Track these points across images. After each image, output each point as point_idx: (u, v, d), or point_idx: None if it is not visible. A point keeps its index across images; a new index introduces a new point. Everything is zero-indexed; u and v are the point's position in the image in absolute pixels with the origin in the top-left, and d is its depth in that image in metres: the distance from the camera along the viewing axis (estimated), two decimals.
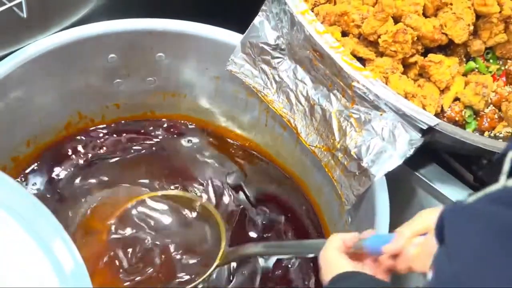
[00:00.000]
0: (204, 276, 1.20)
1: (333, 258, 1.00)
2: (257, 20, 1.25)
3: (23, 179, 1.34)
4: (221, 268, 1.25)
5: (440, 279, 0.63)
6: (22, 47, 1.22)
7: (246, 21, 1.28)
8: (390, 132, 1.13)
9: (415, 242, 0.90)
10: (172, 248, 1.24)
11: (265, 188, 1.40)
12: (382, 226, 1.08)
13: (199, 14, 1.35)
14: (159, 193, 1.31)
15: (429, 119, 1.07)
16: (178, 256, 1.24)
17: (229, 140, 1.46)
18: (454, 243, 0.63)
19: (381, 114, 1.12)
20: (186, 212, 1.29)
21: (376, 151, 1.14)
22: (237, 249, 1.23)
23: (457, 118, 1.36)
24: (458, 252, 0.62)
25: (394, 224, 1.33)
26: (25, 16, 1.13)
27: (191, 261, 1.23)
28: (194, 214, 1.29)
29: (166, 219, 1.28)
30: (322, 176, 1.32)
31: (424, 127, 1.08)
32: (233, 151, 1.45)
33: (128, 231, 1.26)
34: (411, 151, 1.11)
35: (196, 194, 1.36)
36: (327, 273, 0.99)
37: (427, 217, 0.91)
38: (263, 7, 1.24)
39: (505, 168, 0.65)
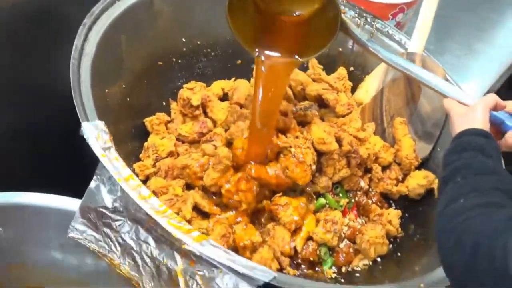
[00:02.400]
0: None
1: (479, 111, 1.16)
2: (92, 185, 1.22)
3: None
4: None
5: None
6: None
7: (85, 186, 1.25)
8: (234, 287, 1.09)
9: None
10: None
11: None
12: None
13: (38, 184, 1.31)
14: None
15: (263, 274, 1.05)
16: None
17: None
18: None
19: (220, 271, 1.09)
20: None
21: None
22: None
23: (311, 258, 1.34)
24: None
25: None
26: None
27: None
28: None
29: None
30: None
31: (260, 283, 1.05)
32: None
33: None
34: None
35: None
36: (465, 122, 1.15)
37: None
38: (97, 171, 1.21)
39: None
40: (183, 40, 1.57)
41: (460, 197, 1.00)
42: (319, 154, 1.40)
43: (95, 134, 1.15)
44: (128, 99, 1.42)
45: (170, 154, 1.40)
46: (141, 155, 1.41)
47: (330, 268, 1.36)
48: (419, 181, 1.45)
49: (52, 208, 1.29)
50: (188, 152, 1.40)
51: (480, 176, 1.03)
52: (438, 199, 1.07)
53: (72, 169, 1.36)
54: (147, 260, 1.21)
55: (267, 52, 1.30)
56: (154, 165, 1.39)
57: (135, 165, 1.37)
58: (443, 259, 0.97)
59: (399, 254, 1.39)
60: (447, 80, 1.53)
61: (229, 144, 1.38)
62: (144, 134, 1.46)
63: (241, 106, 1.50)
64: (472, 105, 1.20)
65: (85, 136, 1.15)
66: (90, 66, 1.27)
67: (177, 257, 1.16)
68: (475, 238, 0.92)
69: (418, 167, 1.51)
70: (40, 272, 1.36)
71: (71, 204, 1.27)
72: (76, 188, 1.26)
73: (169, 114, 1.50)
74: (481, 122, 1.15)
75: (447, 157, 1.11)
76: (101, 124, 1.17)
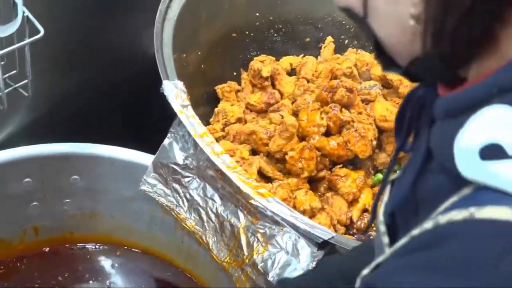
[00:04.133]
0: None
1: None
2: (166, 142, 1.30)
3: None
4: None
5: None
6: None
7: (158, 143, 1.33)
8: (293, 246, 1.16)
9: None
10: None
11: None
12: None
13: (114, 137, 1.40)
14: None
15: (323, 232, 1.12)
16: None
17: (148, 255, 1.47)
18: None
19: (282, 229, 1.16)
20: None
21: (281, 265, 1.17)
22: None
23: (366, 229, 1.41)
24: None
25: None
26: None
27: None
28: None
29: None
30: None
31: (319, 240, 1.12)
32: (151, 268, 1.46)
33: None
34: (314, 263, 1.15)
35: None
36: None
37: None
38: (171, 129, 1.29)
39: None
40: (257, 14, 1.65)
41: None
42: (380, 131, 1.46)
43: (175, 92, 1.23)
44: (202, 66, 1.50)
45: (239, 120, 1.48)
46: (211, 119, 1.49)
47: None
48: None
49: (126, 161, 1.38)
50: (255, 120, 1.47)
51: None
52: None
53: (145, 126, 1.44)
54: (212, 216, 1.29)
55: None
56: (223, 130, 1.46)
57: (206, 128, 1.45)
58: None
59: None
60: None
61: (295, 115, 1.45)
62: (214, 100, 1.54)
63: (308, 81, 1.57)
64: None
65: (165, 93, 1.23)
66: (172, 31, 1.35)
67: (241, 214, 1.24)
68: None
69: None
70: (111, 222, 1.46)
71: (143, 158, 1.36)
72: (149, 144, 1.35)
73: (239, 84, 1.58)
74: None
75: None
76: (180, 84, 1.25)
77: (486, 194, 0.57)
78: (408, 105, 0.75)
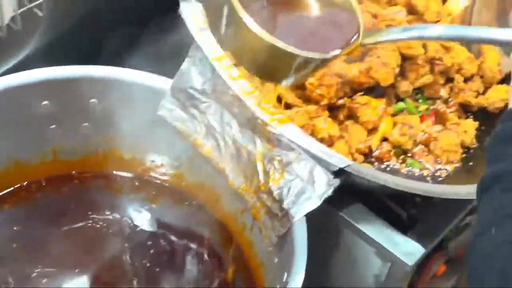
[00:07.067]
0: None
1: None
2: (184, 66, 1.28)
3: None
4: None
5: None
6: None
7: (177, 66, 1.31)
8: (309, 173, 1.15)
9: None
10: None
11: (195, 229, 1.41)
12: (299, 267, 1.10)
13: (133, 61, 1.39)
14: None
15: (339, 161, 1.10)
16: None
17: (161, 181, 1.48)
18: None
19: (298, 156, 1.15)
20: None
21: (296, 192, 1.16)
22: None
23: (384, 158, 1.39)
24: None
25: (324, 265, 1.36)
26: None
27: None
28: None
29: None
30: (252, 217, 1.33)
31: (335, 168, 1.10)
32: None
33: None
34: (330, 192, 1.14)
35: None
36: None
37: None
38: (190, 53, 1.27)
39: None
40: None
41: (492, 225, 0.80)
42: (404, 58, 1.42)
43: (193, 14, 1.20)
44: None
45: None
46: None
47: None
48: (501, 94, 1.46)
49: (145, 85, 1.37)
50: None
51: None
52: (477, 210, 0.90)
53: (165, 50, 1.42)
54: (229, 142, 1.28)
55: None
56: None
57: (226, 53, 1.42)
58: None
59: (471, 163, 1.43)
60: None
61: None
62: None
63: None
64: None
65: (182, 16, 1.20)
66: None
67: (258, 141, 1.23)
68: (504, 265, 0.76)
69: (501, 82, 1.52)
70: (130, 146, 1.45)
71: (162, 82, 1.35)
72: (168, 69, 1.33)
73: None
74: None
75: (489, 148, 0.90)
76: (199, 6, 1.22)
77: None
78: None
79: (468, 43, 1.48)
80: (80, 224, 1.40)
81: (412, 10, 1.53)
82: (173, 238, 1.41)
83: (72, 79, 1.35)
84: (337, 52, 1.16)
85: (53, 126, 1.40)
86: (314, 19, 1.21)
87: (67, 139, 1.43)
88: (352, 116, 1.39)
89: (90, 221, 1.40)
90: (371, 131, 1.39)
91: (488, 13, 1.52)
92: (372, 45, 1.36)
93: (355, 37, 1.18)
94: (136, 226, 1.41)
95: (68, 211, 1.42)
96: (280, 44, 1.12)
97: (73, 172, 1.47)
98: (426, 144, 1.43)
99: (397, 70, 1.40)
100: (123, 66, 1.37)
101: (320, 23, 1.21)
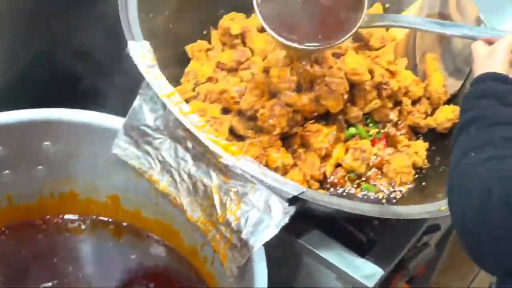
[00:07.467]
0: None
1: (500, 52, 1.10)
2: (136, 104, 1.29)
3: None
4: None
5: None
6: None
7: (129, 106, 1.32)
8: (265, 203, 1.17)
9: None
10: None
11: (156, 264, 1.41)
12: None
13: (84, 102, 1.39)
14: None
15: (293, 188, 1.12)
16: None
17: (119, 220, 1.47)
18: None
19: (253, 187, 1.16)
20: None
21: (253, 222, 1.17)
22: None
23: (339, 184, 1.41)
24: None
25: None
26: None
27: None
28: None
29: None
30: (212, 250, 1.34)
31: (290, 196, 1.12)
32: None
33: None
34: (287, 220, 1.15)
35: None
36: (485, 65, 1.09)
37: None
38: (140, 91, 1.28)
39: None
40: None
41: (470, 151, 0.98)
42: (352, 85, 1.45)
43: (141, 53, 1.22)
44: (171, 26, 1.48)
45: (209, 79, 1.47)
46: (181, 79, 1.48)
47: None
48: (448, 115, 1.50)
49: (98, 125, 1.37)
50: (226, 79, 1.46)
51: (495, 128, 0.99)
52: (452, 147, 1.06)
53: (116, 89, 1.43)
54: (185, 176, 1.29)
55: None
56: (193, 90, 1.45)
57: (176, 89, 1.43)
58: (454, 212, 0.96)
59: (423, 183, 1.46)
60: (479, 20, 1.57)
61: (266, 72, 1.44)
62: (185, 60, 1.53)
63: None
64: (494, 44, 1.13)
65: (130, 54, 1.22)
66: None
67: (213, 174, 1.24)
68: (486, 185, 0.90)
69: (447, 103, 1.56)
70: (86, 186, 1.45)
71: (115, 122, 1.35)
72: (120, 107, 1.34)
73: (209, 43, 1.56)
74: (502, 65, 1.08)
75: (464, 103, 1.08)
76: (146, 44, 1.24)
77: None
78: None
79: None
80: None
81: (357, 38, 1.57)
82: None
83: (24, 123, 1.35)
84: None
85: (6, 171, 1.39)
86: None
87: (21, 184, 1.42)
88: (304, 144, 1.42)
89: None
90: (325, 157, 1.42)
91: (431, 36, 1.56)
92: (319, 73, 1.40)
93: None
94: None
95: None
96: None
97: (27, 217, 1.46)
98: (379, 167, 1.45)
99: (346, 96, 1.43)
100: (76, 107, 1.37)
101: None
